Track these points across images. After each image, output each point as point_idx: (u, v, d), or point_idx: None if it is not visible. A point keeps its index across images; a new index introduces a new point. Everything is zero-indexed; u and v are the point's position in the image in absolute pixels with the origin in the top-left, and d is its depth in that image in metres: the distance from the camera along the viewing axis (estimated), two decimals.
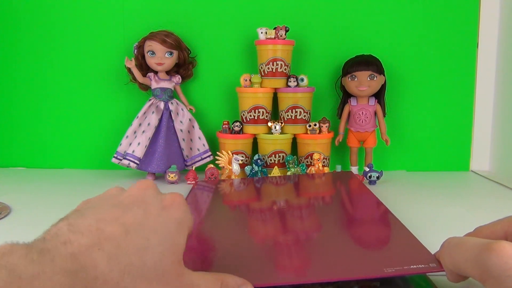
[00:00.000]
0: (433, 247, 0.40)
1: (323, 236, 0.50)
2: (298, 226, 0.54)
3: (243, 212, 0.62)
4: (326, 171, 0.83)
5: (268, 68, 0.86)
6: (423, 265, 0.38)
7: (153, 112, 0.86)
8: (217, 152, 0.86)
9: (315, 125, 0.86)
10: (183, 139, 0.88)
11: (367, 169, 0.82)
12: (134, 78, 0.88)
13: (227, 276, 0.34)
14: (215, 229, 0.54)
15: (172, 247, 0.30)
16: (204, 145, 0.90)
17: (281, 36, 0.84)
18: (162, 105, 0.87)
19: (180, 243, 0.31)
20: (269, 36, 0.85)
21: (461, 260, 0.31)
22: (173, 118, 0.87)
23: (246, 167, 0.84)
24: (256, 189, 0.75)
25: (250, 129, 0.87)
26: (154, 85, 0.88)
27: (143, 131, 0.84)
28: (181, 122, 0.88)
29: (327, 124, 0.86)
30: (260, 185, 0.77)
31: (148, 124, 0.85)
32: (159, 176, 0.89)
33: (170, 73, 0.90)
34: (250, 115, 0.86)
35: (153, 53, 0.86)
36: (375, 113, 0.88)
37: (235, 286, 0.34)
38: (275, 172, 0.83)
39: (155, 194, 0.34)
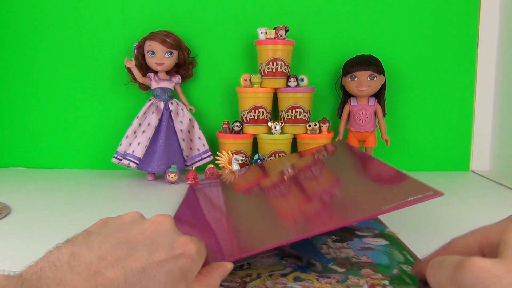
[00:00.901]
0: (433, 248, 0.40)
1: (344, 186, 0.52)
2: (315, 186, 0.55)
3: (258, 193, 0.62)
4: None
5: (268, 68, 0.86)
6: (420, 195, 0.40)
7: (153, 112, 0.86)
8: (217, 152, 0.86)
9: (315, 125, 0.86)
10: (183, 139, 0.88)
11: None
12: (134, 78, 0.88)
13: (209, 275, 0.34)
14: (242, 218, 0.54)
15: None
16: (204, 145, 0.90)
17: (281, 36, 0.84)
18: (162, 105, 0.87)
19: None
20: (269, 36, 0.85)
21: (442, 279, 0.32)
22: (173, 118, 0.87)
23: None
24: (259, 166, 0.75)
25: (250, 129, 0.87)
26: (154, 85, 0.88)
27: (143, 131, 0.84)
28: (181, 122, 0.88)
29: (327, 124, 0.86)
30: (260, 161, 0.77)
31: (148, 124, 0.85)
32: (159, 176, 0.89)
33: (170, 73, 0.90)
34: (250, 115, 0.86)
35: (153, 53, 0.86)
36: (375, 113, 0.88)
37: (219, 278, 0.35)
38: None
39: (169, 233, 0.32)
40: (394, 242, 0.51)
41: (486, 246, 0.32)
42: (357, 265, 0.44)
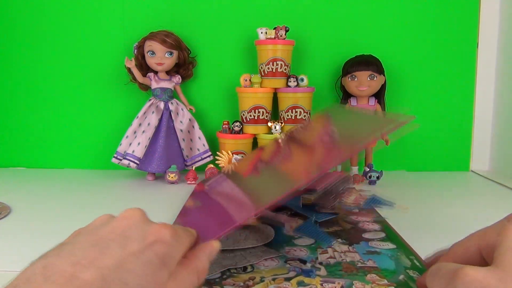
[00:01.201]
0: (433, 248, 0.40)
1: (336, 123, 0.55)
2: (311, 134, 0.56)
3: (265, 167, 0.62)
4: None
5: (268, 68, 0.86)
6: (399, 122, 0.42)
7: (153, 112, 0.86)
8: (217, 152, 0.86)
9: None
10: (183, 139, 0.88)
11: (367, 169, 0.82)
12: (134, 78, 0.88)
13: (195, 258, 0.33)
14: (259, 189, 0.54)
15: (153, 286, 0.29)
16: (204, 145, 0.90)
17: (281, 36, 0.84)
18: (162, 105, 0.87)
19: (163, 280, 0.30)
20: (269, 36, 0.85)
21: None
22: (173, 118, 0.87)
23: None
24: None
25: (250, 129, 0.87)
26: (154, 85, 0.88)
27: (143, 131, 0.84)
28: (181, 122, 0.88)
29: None
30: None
31: (148, 124, 0.85)
32: (159, 176, 0.89)
33: (170, 73, 0.90)
34: (250, 115, 0.86)
35: (153, 53, 0.86)
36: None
37: (206, 259, 0.34)
38: None
39: (139, 225, 0.32)
40: (401, 246, 0.50)
41: (484, 248, 0.32)
42: (362, 270, 0.43)
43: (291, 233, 0.51)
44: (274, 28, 0.85)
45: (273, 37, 0.84)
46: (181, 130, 0.88)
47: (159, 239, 0.31)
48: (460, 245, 0.35)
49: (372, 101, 0.87)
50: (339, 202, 0.62)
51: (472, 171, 0.96)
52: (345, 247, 0.49)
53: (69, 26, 0.94)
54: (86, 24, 0.94)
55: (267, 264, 0.45)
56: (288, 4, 0.93)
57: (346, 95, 0.90)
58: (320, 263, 0.45)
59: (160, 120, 0.86)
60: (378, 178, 0.82)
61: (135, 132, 0.86)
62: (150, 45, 0.85)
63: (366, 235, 0.53)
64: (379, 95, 0.88)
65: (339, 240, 0.51)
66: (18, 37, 0.95)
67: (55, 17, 0.94)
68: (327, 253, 0.48)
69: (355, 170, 0.90)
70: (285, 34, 0.85)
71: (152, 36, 0.85)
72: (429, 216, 0.63)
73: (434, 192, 0.78)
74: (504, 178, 0.86)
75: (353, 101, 0.88)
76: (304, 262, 0.45)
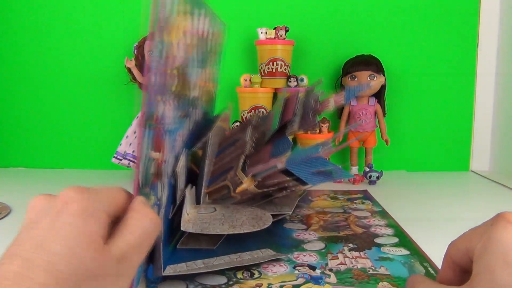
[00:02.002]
0: (433, 247, 0.40)
1: None
2: None
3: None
4: None
5: (268, 68, 0.86)
6: None
7: None
8: None
9: None
10: None
11: (367, 169, 0.82)
12: (134, 78, 0.88)
13: (136, 205, 0.31)
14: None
15: (85, 243, 0.27)
16: None
17: (281, 36, 0.84)
18: None
19: (95, 232, 0.28)
20: (269, 36, 0.85)
21: None
22: None
23: None
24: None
25: None
26: None
27: None
28: None
29: (327, 124, 0.86)
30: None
31: None
32: None
33: None
34: (250, 115, 0.86)
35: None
36: (375, 113, 0.88)
37: (142, 205, 0.32)
38: None
39: (44, 204, 0.30)
40: (415, 252, 0.48)
41: (469, 250, 0.32)
42: (374, 277, 0.42)
43: (284, 167, 0.50)
44: (274, 28, 0.85)
45: (273, 37, 0.84)
46: None
47: (68, 200, 0.29)
48: (453, 245, 0.35)
49: (372, 101, 0.87)
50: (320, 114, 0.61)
51: (472, 171, 0.96)
52: (356, 253, 0.47)
53: (69, 26, 0.94)
54: (86, 24, 0.94)
55: (275, 270, 0.43)
56: (288, 4, 0.93)
57: None
58: (330, 270, 0.43)
59: None
60: (378, 178, 0.82)
61: (135, 132, 0.86)
62: None
63: (378, 240, 0.51)
64: (379, 95, 0.88)
65: (350, 245, 0.50)
66: (18, 37, 0.95)
67: (55, 17, 0.94)
68: (338, 259, 0.46)
69: (355, 170, 0.90)
70: (285, 34, 0.85)
71: None
72: (428, 216, 0.63)
73: (434, 192, 0.78)
74: (504, 178, 0.86)
75: (353, 101, 0.88)
76: (313, 268, 0.44)
